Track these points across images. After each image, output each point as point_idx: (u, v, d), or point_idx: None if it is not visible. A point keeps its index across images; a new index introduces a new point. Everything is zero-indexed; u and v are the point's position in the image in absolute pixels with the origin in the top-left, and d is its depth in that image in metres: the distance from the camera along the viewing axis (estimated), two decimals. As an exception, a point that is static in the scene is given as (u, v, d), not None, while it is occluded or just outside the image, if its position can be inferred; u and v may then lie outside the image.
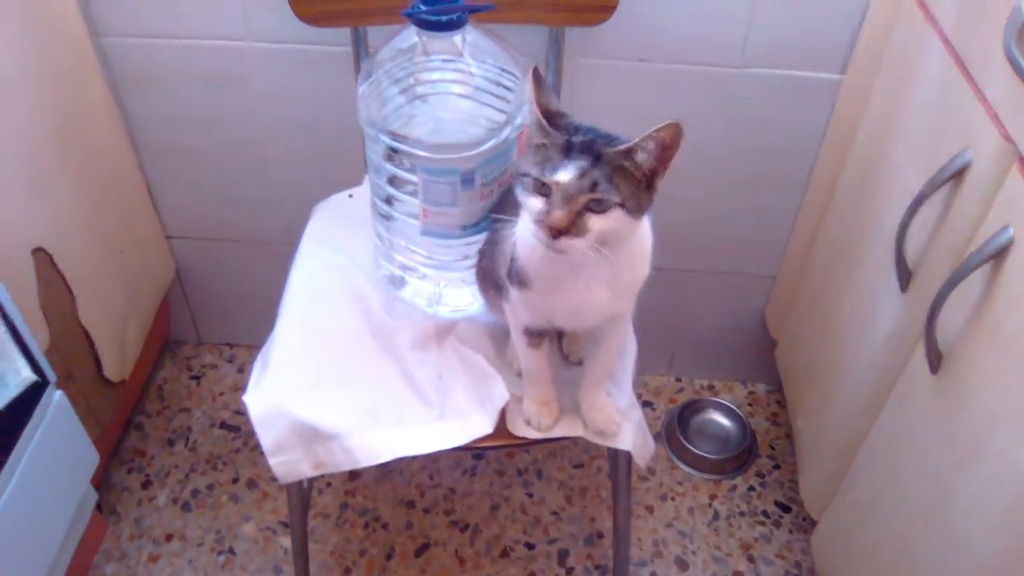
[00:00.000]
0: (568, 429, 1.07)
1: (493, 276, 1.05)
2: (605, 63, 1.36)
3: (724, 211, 1.54)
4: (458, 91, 1.10)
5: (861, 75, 1.30)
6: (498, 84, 1.09)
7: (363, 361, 1.13)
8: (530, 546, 1.56)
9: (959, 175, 0.96)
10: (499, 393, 1.07)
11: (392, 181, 1.10)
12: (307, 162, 1.54)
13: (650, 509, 1.63)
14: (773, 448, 1.74)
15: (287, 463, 1.06)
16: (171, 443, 1.72)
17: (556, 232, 0.80)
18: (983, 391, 0.90)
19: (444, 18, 0.99)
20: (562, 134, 0.83)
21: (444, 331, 1.18)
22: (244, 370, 1.86)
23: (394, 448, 1.05)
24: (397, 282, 1.22)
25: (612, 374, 1.10)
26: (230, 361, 1.89)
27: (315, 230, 1.33)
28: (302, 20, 1.22)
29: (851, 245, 1.28)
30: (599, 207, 0.81)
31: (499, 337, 1.16)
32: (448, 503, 1.63)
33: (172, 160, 1.57)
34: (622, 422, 1.07)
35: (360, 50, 1.29)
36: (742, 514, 1.62)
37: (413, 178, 1.06)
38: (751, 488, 1.67)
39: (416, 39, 1.04)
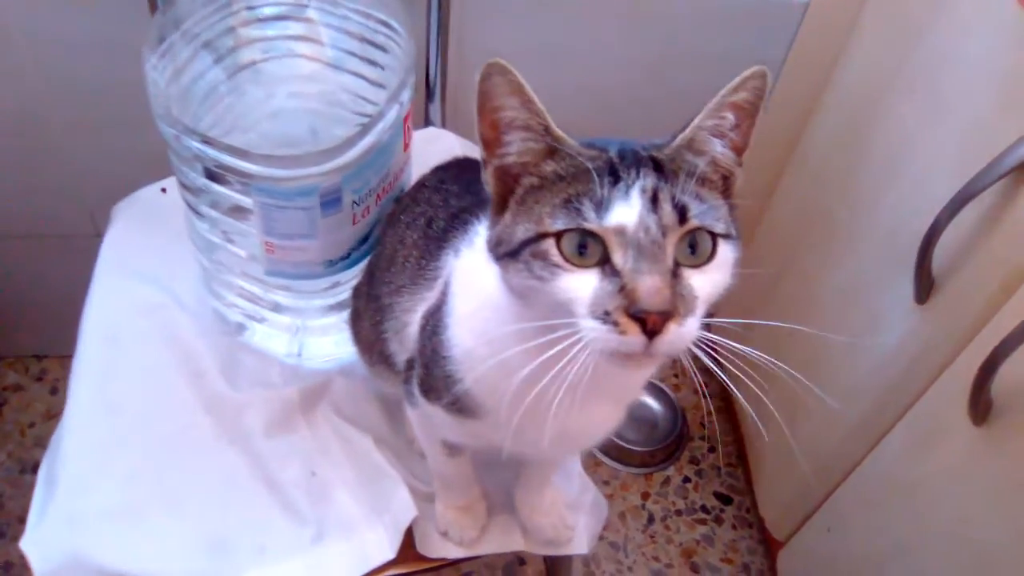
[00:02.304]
0: (502, 541, 0.77)
1: (382, 349, 0.72)
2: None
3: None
4: (305, 53, 0.72)
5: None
6: (368, 43, 0.72)
7: (196, 461, 0.78)
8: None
9: (1025, 168, 0.70)
10: (402, 505, 0.75)
11: (216, 203, 0.73)
12: (105, 138, 1.11)
13: (576, 522, 1.38)
14: (704, 427, 1.53)
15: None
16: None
17: (658, 322, 0.46)
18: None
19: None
20: (595, 150, 0.51)
21: (312, 397, 0.83)
22: (59, 391, 1.44)
23: (252, 602, 0.72)
24: (235, 327, 0.85)
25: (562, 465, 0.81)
26: (39, 379, 1.47)
27: (115, 248, 0.93)
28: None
29: (830, 225, 1.02)
30: (696, 253, 0.48)
31: (390, 399, 0.84)
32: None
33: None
34: (575, 522, 0.78)
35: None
36: (679, 513, 1.41)
37: (246, 202, 0.69)
38: (686, 480, 1.45)
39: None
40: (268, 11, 0.70)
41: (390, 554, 0.74)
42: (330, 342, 0.85)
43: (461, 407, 0.61)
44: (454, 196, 0.71)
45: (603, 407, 0.61)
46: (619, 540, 1.37)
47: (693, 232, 0.48)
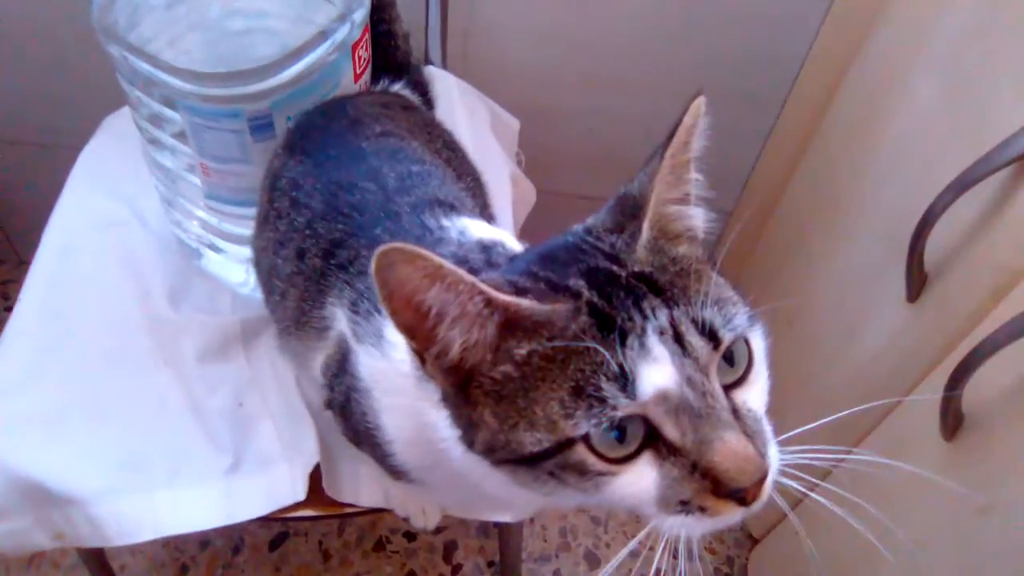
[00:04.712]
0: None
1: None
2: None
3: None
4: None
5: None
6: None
7: (128, 378, 0.77)
8: (410, 537, 1.28)
9: (1031, 157, 0.61)
10: (310, 445, 0.73)
11: (155, 119, 0.71)
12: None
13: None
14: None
15: (13, 533, 0.72)
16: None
17: (758, 490, 0.39)
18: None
19: None
20: (559, 296, 0.40)
21: (255, 330, 0.82)
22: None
23: (159, 522, 0.71)
24: (191, 252, 0.84)
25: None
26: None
27: (91, 161, 0.93)
28: None
29: (836, 215, 0.93)
30: (736, 364, 0.40)
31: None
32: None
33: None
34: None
35: None
36: (669, 495, 1.36)
37: (175, 116, 0.67)
38: (682, 462, 1.39)
39: None
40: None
41: (301, 495, 0.72)
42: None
43: (402, 478, 0.56)
44: (318, 216, 0.59)
45: None
46: (600, 515, 1.33)
47: (728, 349, 0.39)
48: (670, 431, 0.38)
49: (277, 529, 1.27)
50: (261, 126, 0.65)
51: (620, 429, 0.38)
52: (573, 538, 1.29)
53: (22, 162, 1.33)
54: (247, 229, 0.78)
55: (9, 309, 1.34)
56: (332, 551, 1.26)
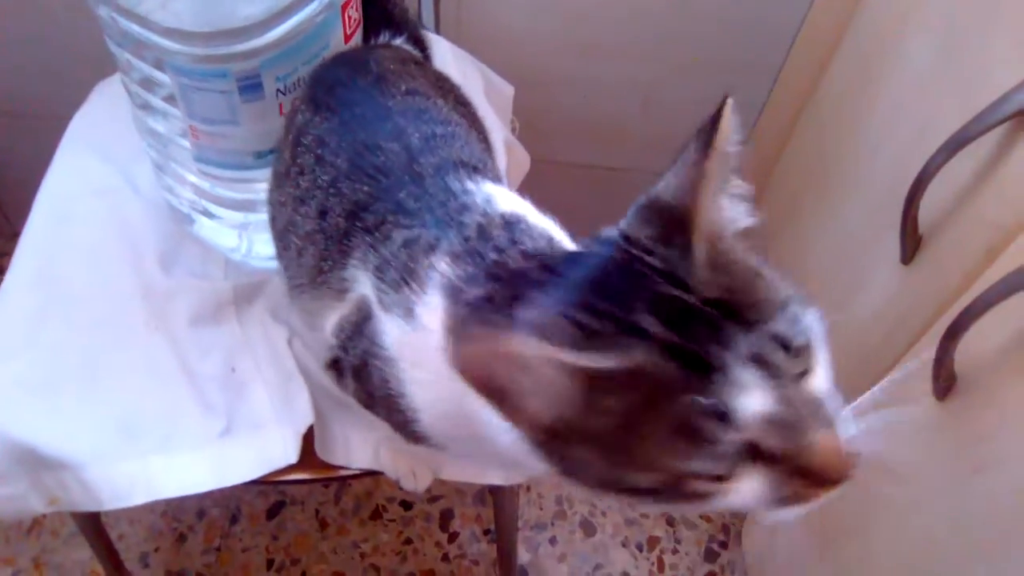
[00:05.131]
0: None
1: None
2: None
3: (667, 98, 1.16)
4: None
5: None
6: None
7: (121, 344, 0.77)
8: (407, 505, 1.29)
9: (1026, 114, 0.61)
10: (302, 407, 0.73)
11: (147, 83, 0.70)
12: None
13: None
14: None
15: (9, 498, 0.72)
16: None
17: (848, 473, 0.40)
18: (1018, 456, 0.60)
19: None
20: (631, 338, 0.39)
21: (248, 294, 0.81)
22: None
23: (152, 486, 0.71)
24: (183, 218, 0.84)
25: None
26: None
27: (83, 126, 0.92)
28: None
29: (833, 178, 0.93)
30: (800, 355, 0.40)
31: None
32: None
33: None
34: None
35: None
36: (665, 464, 1.36)
37: (166, 79, 0.66)
38: (678, 431, 1.40)
39: None
40: None
41: (293, 458, 0.73)
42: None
43: (419, 441, 0.56)
44: (342, 175, 0.58)
45: None
46: (597, 483, 1.33)
47: (800, 343, 0.40)
48: (769, 444, 0.39)
49: (274, 498, 1.28)
50: (250, 87, 0.64)
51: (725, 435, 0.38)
52: (569, 506, 1.30)
53: (14, 134, 1.32)
54: (240, 194, 0.78)
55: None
56: (329, 520, 1.27)
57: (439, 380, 0.48)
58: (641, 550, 1.26)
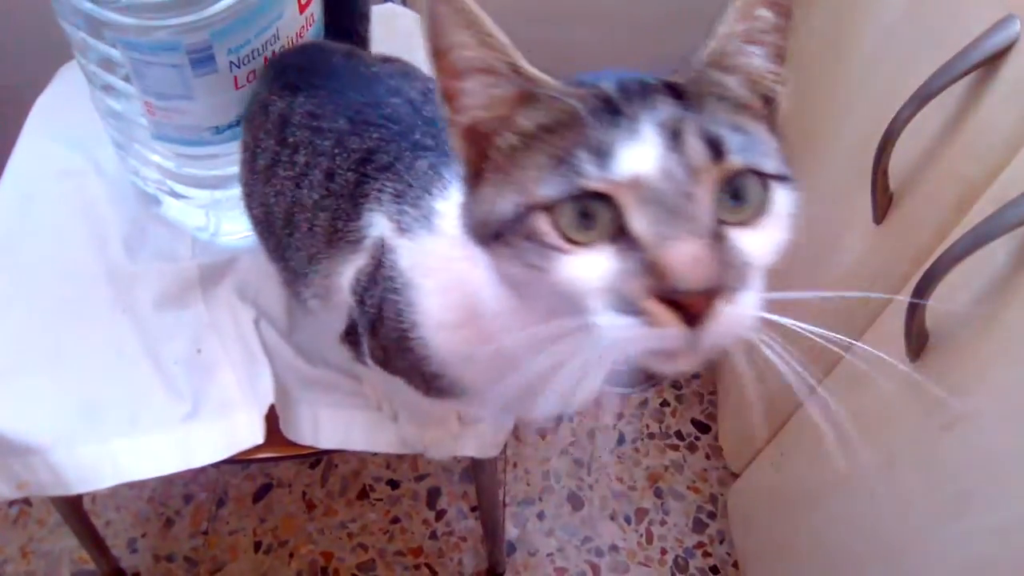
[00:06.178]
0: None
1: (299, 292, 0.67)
2: None
3: (637, 61, 1.14)
4: None
5: None
6: None
7: (86, 327, 0.76)
8: (394, 484, 1.28)
9: (992, 61, 0.60)
10: (265, 389, 0.72)
11: (105, 63, 0.69)
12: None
13: (541, 434, 1.35)
14: (694, 351, 1.46)
15: (-24, 483, 0.72)
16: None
17: (702, 304, 0.35)
18: (988, 412, 0.60)
19: None
20: (585, 88, 0.40)
21: (214, 275, 0.80)
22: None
23: (119, 468, 0.71)
24: (150, 199, 0.82)
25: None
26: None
27: (46, 109, 0.91)
28: None
29: (805, 133, 0.92)
30: (743, 204, 0.38)
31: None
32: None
33: None
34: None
35: None
36: (652, 436, 1.36)
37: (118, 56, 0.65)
38: (664, 403, 1.39)
39: None
40: None
41: (259, 438, 0.72)
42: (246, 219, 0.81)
43: (438, 390, 0.56)
44: (346, 133, 0.60)
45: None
46: (584, 457, 1.33)
47: (735, 175, 0.37)
48: (635, 221, 0.36)
49: (261, 481, 1.27)
50: (202, 59, 0.63)
51: (588, 215, 0.37)
52: (556, 480, 1.30)
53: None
54: (205, 171, 0.77)
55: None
56: (316, 501, 1.27)
57: (449, 277, 0.50)
58: (629, 522, 1.26)
